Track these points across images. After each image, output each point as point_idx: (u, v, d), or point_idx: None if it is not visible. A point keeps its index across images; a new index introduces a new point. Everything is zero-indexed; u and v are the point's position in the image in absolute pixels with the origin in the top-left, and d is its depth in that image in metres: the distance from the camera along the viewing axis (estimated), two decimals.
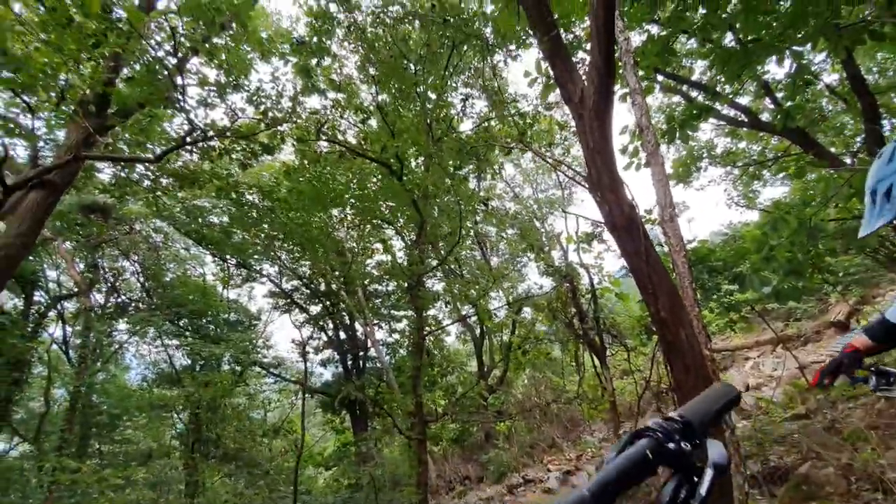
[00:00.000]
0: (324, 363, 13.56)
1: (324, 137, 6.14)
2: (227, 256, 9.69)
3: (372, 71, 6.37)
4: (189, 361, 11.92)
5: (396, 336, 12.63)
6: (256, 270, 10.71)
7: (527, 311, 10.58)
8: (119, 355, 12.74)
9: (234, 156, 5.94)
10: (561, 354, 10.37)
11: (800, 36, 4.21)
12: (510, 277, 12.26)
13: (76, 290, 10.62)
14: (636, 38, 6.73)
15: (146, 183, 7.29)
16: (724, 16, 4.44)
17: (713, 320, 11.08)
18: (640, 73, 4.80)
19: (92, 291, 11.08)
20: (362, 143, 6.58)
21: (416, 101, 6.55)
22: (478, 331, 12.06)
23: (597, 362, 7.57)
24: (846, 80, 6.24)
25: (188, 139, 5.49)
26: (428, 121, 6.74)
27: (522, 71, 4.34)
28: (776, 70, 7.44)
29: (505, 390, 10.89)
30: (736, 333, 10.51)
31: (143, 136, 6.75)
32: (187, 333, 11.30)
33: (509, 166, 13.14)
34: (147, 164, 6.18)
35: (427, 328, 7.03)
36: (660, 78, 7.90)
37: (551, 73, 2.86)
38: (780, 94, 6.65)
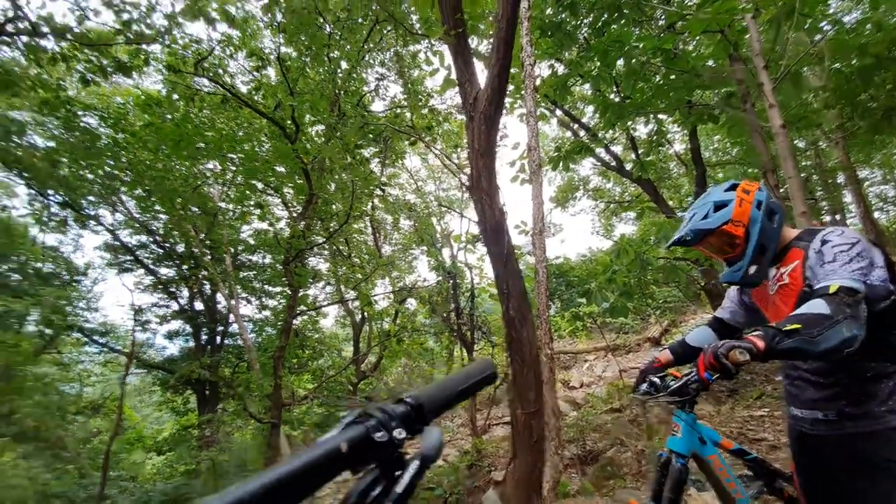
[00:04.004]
0: (170, 335, 11.81)
1: (205, 74, 5.30)
2: (49, 191, 7.69)
3: (280, 17, 5.72)
4: None
5: (267, 313, 11.66)
6: (88, 215, 8.75)
7: (411, 302, 10.81)
8: None
9: (75, 66, 4.74)
10: (435, 346, 10.85)
11: (662, 105, 5.12)
12: (399, 267, 12.36)
13: None
14: (543, 70, 7.41)
15: None
16: (612, 73, 5.16)
17: (565, 326, 12.84)
18: (539, 99, 5.29)
19: None
20: (253, 93, 5.88)
21: (325, 65, 6.11)
22: (359, 316, 11.89)
23: (465, 355, 8.12)
24: (689, 150, 7.78)
25: (8, 27, 4.21)
26: (336, 90, 6.36)
27: (429, 61, 4.38)
28: (642, 130, 8.93)
29: (377, 377, 10.96)
30: (580, 339, 12.36)
31: None
32: None
33: (416, 159, 13.22)
34: None
35: (301, 308, 6.65)
36: (558, 112, 8.83)
37: (453, 69, 2.97)
38: (640, 150, 8.01)
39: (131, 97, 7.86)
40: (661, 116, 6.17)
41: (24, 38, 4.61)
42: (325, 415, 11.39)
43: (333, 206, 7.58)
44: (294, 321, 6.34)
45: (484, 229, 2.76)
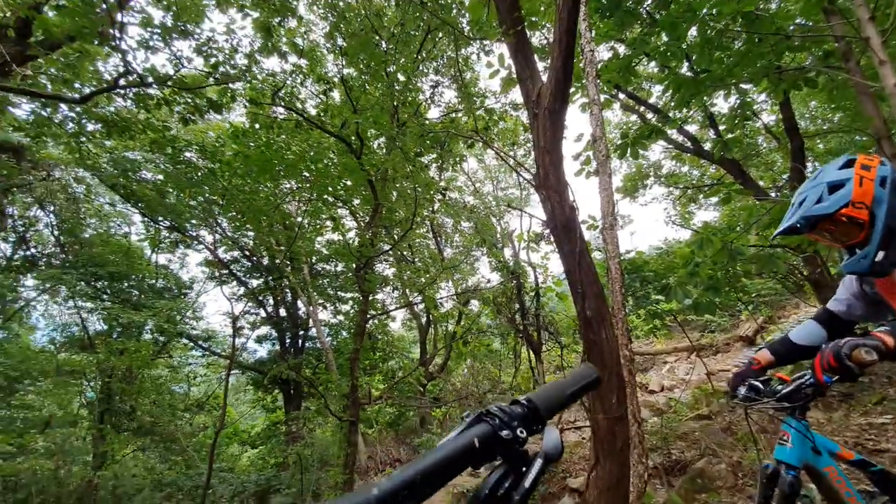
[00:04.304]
0: (260, 340, 13.04)
1: (280, 103, 5.80)
2: (159, 218, 8.93)
3: (340, 42, 6.09)
4: (105, 327, 10.97)
5: (341, 318, 12.42)
6: (192, 236, 10.00)
7: (474, 304, 10.82)
8: (24, 314, 11.44)
9: (175, 108, 5.45)
10: (500, 347, 10.73)
11: (745, 74, 4.59)
12: (461, 269, 12.45)
13: None
14: (603, 53, 7.04)
15: (70, 126, 6.52)
16: (682, 46, 4.73)
17: (640, 325, 11.95)
18: (601, 86, 5.01)
19: None
20: (322, 115, 6.30)
21: (383, 81, 6.38)
22: (424, 319, 12.16)
23: (532, 357, 7.92)
24: (781, 121, 6.89)
25: (121, 82, 4.96)
26: (394, 103, 6.59)
27: (494, 62, 4.36)
28: (721, 104, 8.07)
29: (444, 378, 11.12)
30: (658, 339, 11.46)
31: (70, 72, 6.01)
32: (105, 296, 10.34)
33: (472, 161, 13.26)
34: (71, 104, 5.51)
35: (372, 312, 6.96)
36: (621, 96, 8.31)
37: (513, 68, 2.91)
38: (721, 127, 7.24)
39: (221, 131, 8.84)
40: (744, 87, 5.54)
41: (134, 89, 5.40)
42: (396, 414, 11.81)
43: (397, 214, 7.85)
44: (366, 325, 6.67)
45: (554, 227, 2.67)
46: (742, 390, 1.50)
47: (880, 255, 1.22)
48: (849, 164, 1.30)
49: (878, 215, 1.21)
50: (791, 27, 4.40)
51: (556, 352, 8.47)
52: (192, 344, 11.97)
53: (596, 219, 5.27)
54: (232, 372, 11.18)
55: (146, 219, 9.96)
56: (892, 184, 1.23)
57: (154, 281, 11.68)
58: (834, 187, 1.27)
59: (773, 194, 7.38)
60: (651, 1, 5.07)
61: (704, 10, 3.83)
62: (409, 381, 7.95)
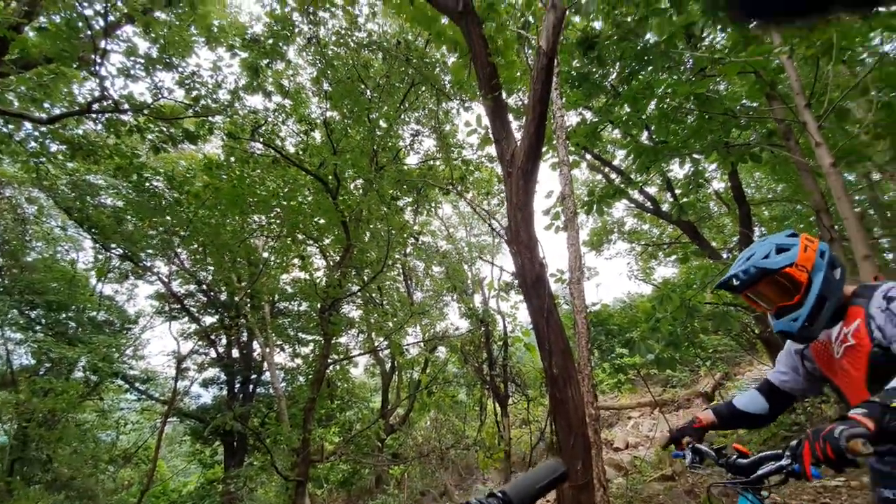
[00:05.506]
0: (206, 383, 11.96)
1: (259, 139, 5.79)
2: (112, 245, 8.37)
3: (326, 86, 6.27)
4: (33, 362, 9.81)
5: (299, 361, 11.70)
6: (145, 267, 9.39)
7: (441, 351, 10.54)
8: None
9: (147, 136, 5.32)
10: (466, 398, 10.37)
11: (698, 146, 5.04)
12: (430, 315, 12.24)
13: None
14: (572, 118, 7.60)
15: (31, 145, 6.21)
16: (643, 117, 5.19)
17: (605, 379, 11.97)
18: (570, 147, 5.34)
19: None
20: (300, 153, 6.32)
21: (365, 126, 6.55)
22: (388, 365, 11.67)
23: (499, 409, 7.67)
24: (730, 189, 7.54)
25: (95, 107, 4.83)
26: (374, 147, 6.73)
27: (472, 120, 4.59)
28: (678, 170, 8.79)
29: (406, 431, 10.50)
30: (622, 393, 11.47)
31: (41, 92, 5.82)
32: (38, 327, 9.35)
33: (448, 207, 13.52)
34: (37, 123, 5.28)
35: (333, 356, 6.60)
36: (588, 157, 8.90)
37: (490, 129, 3.08)
38: (678, 191, 7.82)
39: (194, 161, 8.61)
40: (697, 157, 6.07)
41: (106, 114, 5.26)
42: (350, 472, 10.86)
43: (368, 255, 7.74)
44: (326, 370, 6.30)
45: (523, 282, 2.71)
46: (688, 457, 1.49)
47: (808, 321, 1.30)
48: (794, 235, 1.43)
49: (815, 282, 1.31)
50: (738, 107, 4.92)
51: (523, 405, 8.26)
52: (127, 386, 10.82)
53: (563, 272, 5.40)
54: (169, 419, 10.12)
55: (97, 245, 9.29)
56: (830, 259, 1.36)
57: (95, 313, 10.71)
58: (781, 249, 1.38)
59: (724, 255, 7.87)
60: (615, 76, 5.59)
61: (661, 89, 4.24)
62: (368, 434, 7.43)
